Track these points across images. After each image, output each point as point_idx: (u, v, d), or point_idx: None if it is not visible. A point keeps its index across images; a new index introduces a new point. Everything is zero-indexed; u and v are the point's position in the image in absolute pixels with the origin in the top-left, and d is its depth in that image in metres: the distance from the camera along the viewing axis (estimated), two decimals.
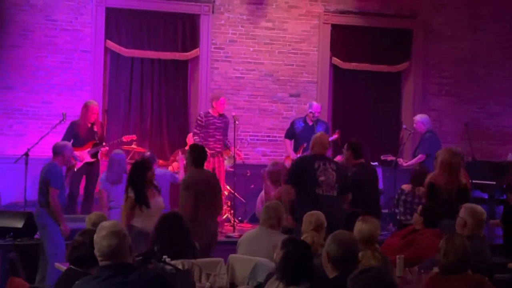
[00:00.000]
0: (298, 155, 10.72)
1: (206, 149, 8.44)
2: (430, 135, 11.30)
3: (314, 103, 11.57)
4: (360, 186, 8.22)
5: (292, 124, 11.53)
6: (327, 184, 7.81)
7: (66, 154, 8.51)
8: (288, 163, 10.94)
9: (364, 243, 5.54)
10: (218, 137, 10.82)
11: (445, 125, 13.56)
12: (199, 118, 10.89)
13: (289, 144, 11.50)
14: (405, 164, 11.27)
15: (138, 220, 7.44)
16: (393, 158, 11.45)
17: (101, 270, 4.15)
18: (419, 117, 11.54)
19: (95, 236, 4.20)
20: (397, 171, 11.49)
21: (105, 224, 4.26)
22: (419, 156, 11.05)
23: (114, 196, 9.45)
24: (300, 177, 7.87)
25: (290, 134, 11.50)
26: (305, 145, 10.70)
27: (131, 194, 7.48)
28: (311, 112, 11.31)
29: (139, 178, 7.54)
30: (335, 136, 11.20)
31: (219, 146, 10.81)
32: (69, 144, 8.94)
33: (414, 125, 11.56)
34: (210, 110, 10.93)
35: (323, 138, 8.29)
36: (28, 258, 8.51)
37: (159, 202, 7.70)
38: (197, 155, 7.92)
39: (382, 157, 11.65)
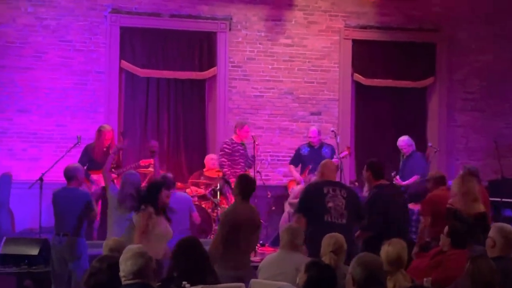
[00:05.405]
0: (304, 177, 11.04)
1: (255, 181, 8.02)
2: (418, 155, 11.55)
3: (311, 128, 11.75)
4: (373, 209, 7.90)
5: (298, 150, 11.69)
6: (335, 211, 7.56)
7: (80, 176, 8.43)
8: (292, 187, 11.33)
9: (393, 266, 5.40)
10: (242, 164, 11.19)
11: (472, 141, 13.43)
12: (225, 146, 11.17)
13: (293, 168, 11.67)
14: (403, 183, 11.13)
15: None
16: (393, 173, 11.38)
17: None
18: (406, 139, 11.49)
19: (121, 258, 4.57)
20: None
21: (131, 246, 4.74)
22: (415, 176, 11.15)
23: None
24: (309, 203, 7.69)
25: (297, 160, 11.67)
26: (310, 166, 10.97)
27: (149, 208, 7.39)
28: (309, 137, 11.60)
29: (153, 196, 7.49)
30: (345, 153, 11.35)
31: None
32: (79, 165, 8.82)
33: (399, 146, 11.50)
34: (234, 137, 11.27)
35: (330, 164, 8.20)
36: (44, 286, 8.42)
37: (168, 229, 7.55)
38: (245, 187, 7.32)
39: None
